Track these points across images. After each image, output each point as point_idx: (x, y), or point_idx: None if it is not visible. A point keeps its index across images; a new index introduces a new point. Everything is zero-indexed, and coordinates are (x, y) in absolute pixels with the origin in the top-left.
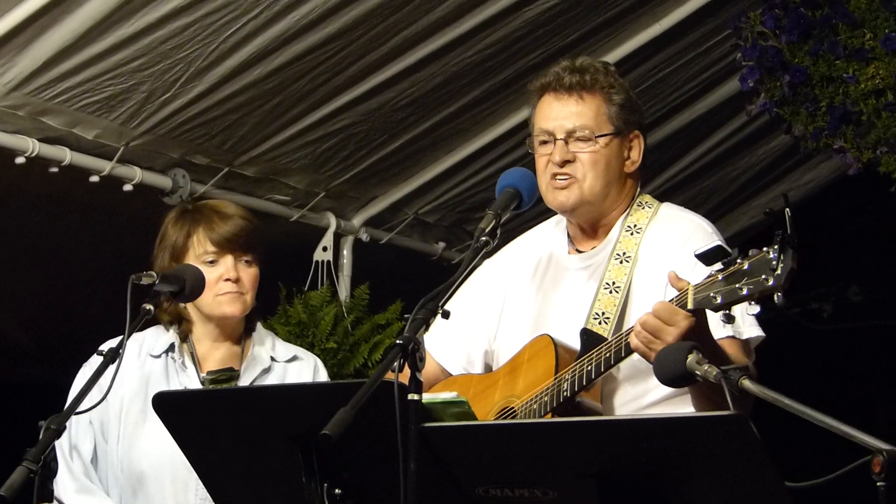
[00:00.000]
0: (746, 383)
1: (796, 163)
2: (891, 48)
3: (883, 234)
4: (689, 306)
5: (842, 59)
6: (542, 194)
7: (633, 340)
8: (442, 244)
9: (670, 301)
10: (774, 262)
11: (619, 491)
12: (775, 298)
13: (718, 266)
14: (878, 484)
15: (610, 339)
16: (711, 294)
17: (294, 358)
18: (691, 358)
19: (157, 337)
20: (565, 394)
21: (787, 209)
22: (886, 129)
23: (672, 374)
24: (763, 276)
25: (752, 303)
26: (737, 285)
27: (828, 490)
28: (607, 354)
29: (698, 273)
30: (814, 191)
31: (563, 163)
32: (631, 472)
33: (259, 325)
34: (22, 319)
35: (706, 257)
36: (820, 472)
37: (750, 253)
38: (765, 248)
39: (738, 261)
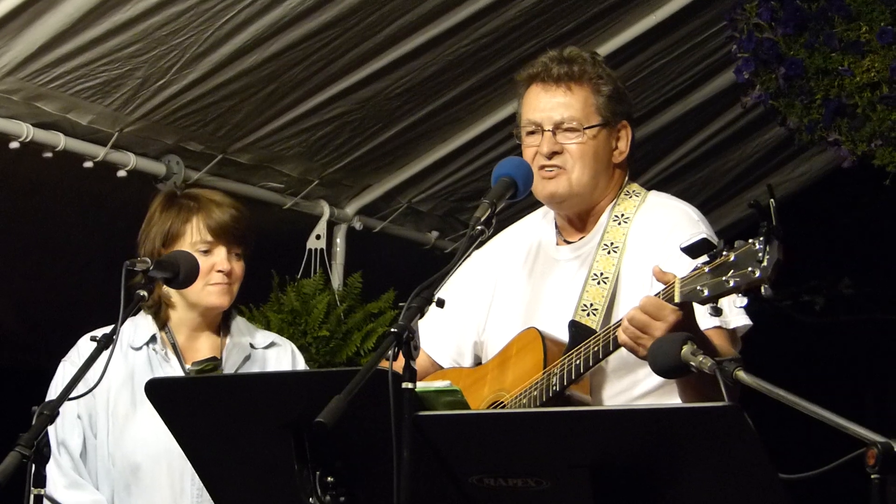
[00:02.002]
0: (741, 374)
1: (790, 155)
2: (886, 41)
3: (876, 227)
4: (676, 300)
5: (837, 52)
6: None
7: (621, 336)
8: (435, 233)
9: (657, 295)
10: (760, 254)
11: (612, 481)
12: (762, 290)
13: (704, 259)
14: (873, 476)
15: (598, 333)
16: (698, 287)
17: (272, 344)
18: (686, 349)
19: (136, 328)
20: (555, 388)
21: (773, 200)
22: (881, 122)
23: (667, 365)
24: (749, 268)
25: (740, 295)
26: (723, 278)
27: (821, 482)
28: (595, 348)
29: (684, 263)
30: (807, 183)
31: (552, 154)
32: (624, 463)
33: (235, 314)
34: (14, 305)
35: (692, 250)
36: (814, 464)
37: (735, 245)
38: (750, 240)
39: (724, 253)
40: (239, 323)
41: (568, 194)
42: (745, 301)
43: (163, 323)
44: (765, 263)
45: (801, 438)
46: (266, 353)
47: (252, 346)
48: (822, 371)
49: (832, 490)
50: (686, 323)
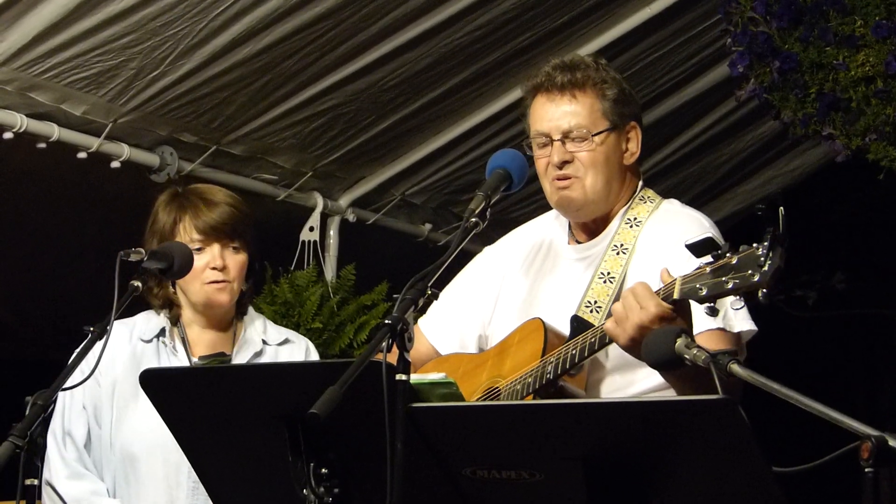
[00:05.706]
0: (735, 368)
1: (784, 149)
2: (881, 35)
3: (869, 221)
4: (675, 296)
5: (832, 46)
6: (547, 196)
7: (608, 323)
8: (428, 226)
9: (657, 291)
10: (762, 259)
11: (605, 474)
12: (759, 295)
13: (708, 258)
14: (866, 470)
15: (597, 325)
16: (697, 285)
17: (286, 341)
18: (680, 342)
19: (148, 321)
20: (548, 376)
21: (782, 208)
22: (876, 116)
23: (660, 357)
24: (749, 272)
25: (739, 297)
26: (723, 279)
27: (815, 475)
28: (591, 339)
29: (692, 268)
30: (801, 177)
31: (563, 164)
32: (618, 456)
33: (250, 309)
34: (6, 296)
35: (696, 248)
36: (807, 457)
37: (740, 248)
38: (755, 244)
39: (728, 255)
40: (253, 316)
41: (583, 202)
42: (741, 304)
43: (175, 319)
44: (765, 268)
45: (795, 432)
46: (279, 349)
47: (265, 342)
48: (814, 365)
49: (826, 484)
50: (671, 321)
